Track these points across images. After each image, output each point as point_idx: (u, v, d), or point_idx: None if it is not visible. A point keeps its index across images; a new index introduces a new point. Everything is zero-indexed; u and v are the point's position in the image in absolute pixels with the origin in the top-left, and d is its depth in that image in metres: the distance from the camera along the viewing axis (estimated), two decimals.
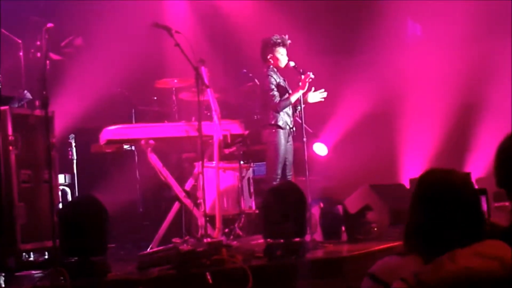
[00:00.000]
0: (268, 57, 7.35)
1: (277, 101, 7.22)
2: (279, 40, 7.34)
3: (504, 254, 2.27)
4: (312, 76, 7.17)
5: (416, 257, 2.41)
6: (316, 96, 7.38)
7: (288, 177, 7.28)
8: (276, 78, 7.30)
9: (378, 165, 9.17)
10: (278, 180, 7.12)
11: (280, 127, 7.24)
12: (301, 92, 7.21)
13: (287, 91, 7.36)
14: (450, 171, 2.51)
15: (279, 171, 7.22)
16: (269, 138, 7.26)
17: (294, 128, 7.35)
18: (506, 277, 2.25)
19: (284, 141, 7.25)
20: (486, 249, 2.29)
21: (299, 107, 7.29)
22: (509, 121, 7.78)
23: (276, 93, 7.25)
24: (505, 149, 2.64)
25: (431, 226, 2.41)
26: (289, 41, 7.36)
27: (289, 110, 7.35)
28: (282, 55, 7.34)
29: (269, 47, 7.36)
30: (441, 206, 2.41)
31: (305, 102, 7.33)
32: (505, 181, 2.64)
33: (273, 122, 7.24)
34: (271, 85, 7.25)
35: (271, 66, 7.35)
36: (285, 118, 7.28)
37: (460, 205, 2.41)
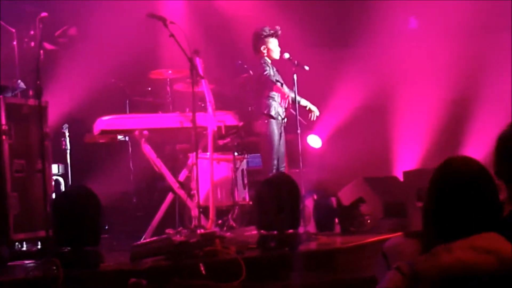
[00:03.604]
0: (262, 48, 7.36)
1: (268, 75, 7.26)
2: (271, 31, 7.35)
3: (500, 247, 2.27)
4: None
5: (416, 241, 2.42)
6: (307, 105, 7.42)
7: (281, 168, 7.27)
8: (269, 70, 7.31)
9: (372, 158, 9.17)
10: (274, 171, 7.11)
11: (272, 117, 7.24)
12: (287, 91, 7.27)
13: (279, 83, 7.36)
14: (467, 159, 2.47)
15: (275, 162, 7.21)
16: (262, 128, 7.26)
17: (285, 119, 7.35)
18: (501, 271, 2.24)
19: (277, 131, 7.25)
20: (482, 242, 2.28)
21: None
22: (504, 115, 7.78)
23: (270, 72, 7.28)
24: (506, 139, 2.54)
25: (445, 214, 2.38)
26: (280, 31, 7.36)
27: (283, 102, 7.35)
28: (274, 46, 7.37)
29: (261, 38, 7.37)
30: (457, 194, 2.38)
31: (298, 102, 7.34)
32: (505, 172, 2.53)
33: (265, 112, 7.25)
34: (266, 68, 7.27)
35: (265, 58, 7.36)
36: (277, 108, 7.28)
37: (477, 193, 2.38)
